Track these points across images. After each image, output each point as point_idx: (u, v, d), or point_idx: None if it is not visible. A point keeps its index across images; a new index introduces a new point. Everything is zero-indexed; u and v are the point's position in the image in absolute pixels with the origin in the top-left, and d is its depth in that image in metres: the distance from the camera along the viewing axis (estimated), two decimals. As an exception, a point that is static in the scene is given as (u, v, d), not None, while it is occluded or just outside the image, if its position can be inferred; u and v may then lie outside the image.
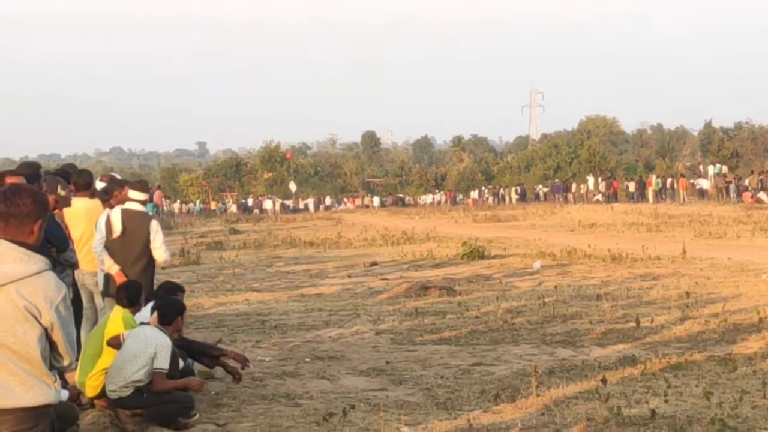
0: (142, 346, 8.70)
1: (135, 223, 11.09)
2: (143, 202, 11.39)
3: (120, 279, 10.74)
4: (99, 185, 12.42)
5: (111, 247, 11.06)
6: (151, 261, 11.27)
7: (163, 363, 8.61)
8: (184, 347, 9.76)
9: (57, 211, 10.11)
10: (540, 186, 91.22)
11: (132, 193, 11.34)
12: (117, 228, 11.08)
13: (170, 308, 9.15)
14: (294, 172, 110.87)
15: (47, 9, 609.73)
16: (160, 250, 11.16)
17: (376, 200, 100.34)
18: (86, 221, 11.41)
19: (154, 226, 11.19)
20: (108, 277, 11.06)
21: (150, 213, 11.77)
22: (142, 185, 11.73)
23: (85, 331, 10.83)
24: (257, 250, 33.37)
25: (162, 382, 8.60)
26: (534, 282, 19.83)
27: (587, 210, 53.53)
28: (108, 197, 11.71)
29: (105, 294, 11.16)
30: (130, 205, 11.23)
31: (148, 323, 9.06)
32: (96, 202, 11.67)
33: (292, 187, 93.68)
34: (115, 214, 11.17)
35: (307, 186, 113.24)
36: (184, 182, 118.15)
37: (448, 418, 8.78)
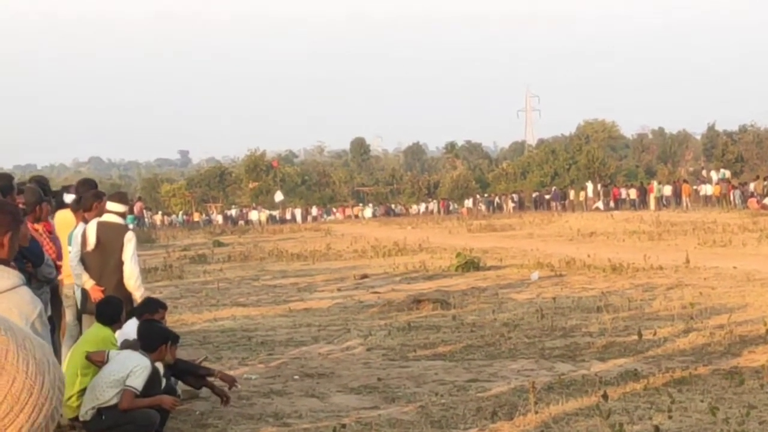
0: (118, 366, 8.65)
1: (111, 236, 11.04)
2: (122, 214, 11.36)
3: (95, 293, 10.73)
4: (68, 198, 12.44)
5: (86, 260, 11.04)
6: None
7: (135, 382, 8.53)
8: (168, 366, 9.73)
9: (31, 224, 10.04)
10: (536, 193, 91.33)
11: (110, 205, 11.30)
12: (91, 241, 11.05)
13: (151, 334, 9.02)
14: (280, 182, 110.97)
15: (22, 12, 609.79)
16: (129, 265, 10.99)
17: (369, 210, 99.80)
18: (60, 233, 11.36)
19: (128, 236, 11.12)
20: (85, 293, 11.04)
21: (130, 225, 11.73)
22: (120, 196, 11.70)
23: (67, 348, 10.77)
24: (243, 263, 33.38)
25: (129, 401, 8.50)
26: (531, 294, 19.85)
27: (586, 218, 53.64)
28: (80, 209, 11.69)
29: (82, 311, 11.14)
30: (107, 217, 11.20)
31: (130, 340, 9.03)
32: (63, 214, 11.67)
33: (278, 196, 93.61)
34: (91, 227, 11.15)
35: (294, 196, 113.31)
36: (166, 193, 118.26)
37: (444, 436, 8.78)
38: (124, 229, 11.29)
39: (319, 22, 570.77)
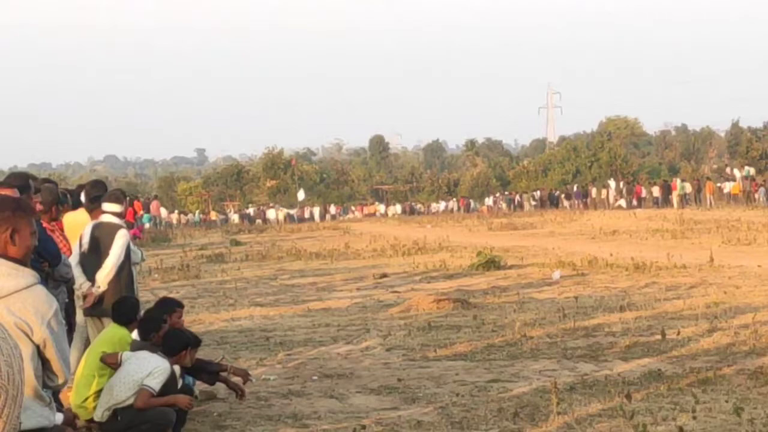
0: (138, 367, 8.66)
1: (105, 236, 11.03)
2: (119, 214, 11.33)
3: (89, 293, 10.78)
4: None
5: (82, 262, 11.05)
6: (123, 272, 11.14)
7: (153, 383, 8.54)
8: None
9: (45, 224, 10.03)
10: (557, 191, 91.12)
11: (106, 205, 11.27)
12: (85, 241, 11.09)
13: (177, 340, 9.07)
14: (299, 180, 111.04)
15: (37, 15, 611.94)
16: (110, 258, 10.90)
17: (399, 207, 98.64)
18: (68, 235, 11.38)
19: (120, 233, 11.07)
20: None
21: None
22: (116, 196, 11.64)
23: (77, 349, 10.78)
24: (260, 262, 33.38)
25: (145, 400, 8.52)
26: (553, 293, 19.81)
27: (608, 216, 53.53)
28: (95, 208, 11.66)
29: (85, 313, 11.15)
30: (104, 218, 11.20)
31: (140, 341, 9.05)
32: (76, 215, 11.68)
33: (301, 195, 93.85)
34: (88, 228, 11.18)
35: (312, 194, 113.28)
36: (183, 191, 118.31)
37: (464, 438, 8.77)
38: (118, 227, 11.25)
39: (336, 18, 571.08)
